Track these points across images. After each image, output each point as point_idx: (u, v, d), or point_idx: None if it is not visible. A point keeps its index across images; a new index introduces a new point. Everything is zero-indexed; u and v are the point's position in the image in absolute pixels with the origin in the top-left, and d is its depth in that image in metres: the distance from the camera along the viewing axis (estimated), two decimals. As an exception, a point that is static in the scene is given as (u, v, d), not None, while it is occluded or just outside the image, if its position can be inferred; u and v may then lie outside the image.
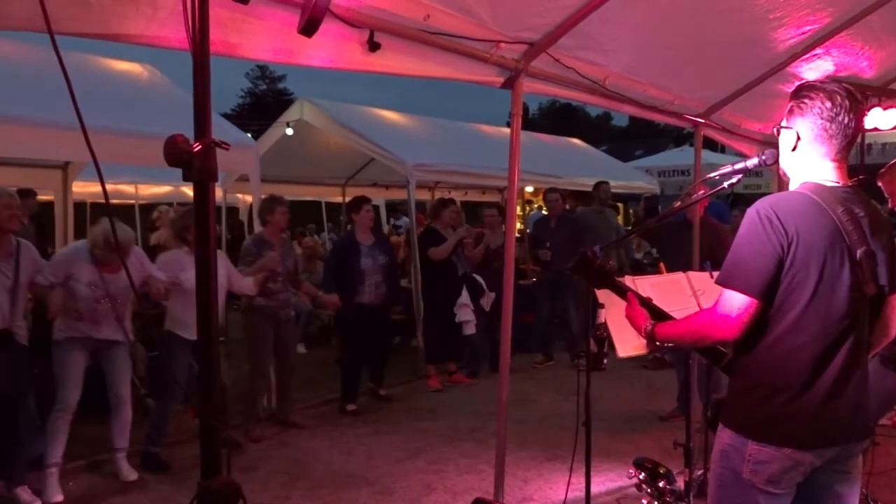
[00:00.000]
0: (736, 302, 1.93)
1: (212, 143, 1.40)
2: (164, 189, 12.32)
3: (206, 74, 1.43)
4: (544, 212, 15.14)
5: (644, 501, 3.03)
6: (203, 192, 1.43)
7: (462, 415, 5.91)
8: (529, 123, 44.59)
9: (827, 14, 3.96)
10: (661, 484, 2.99)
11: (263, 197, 5.75)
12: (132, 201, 12.64)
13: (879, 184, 3.58)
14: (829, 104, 1.98)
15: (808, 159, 2.04)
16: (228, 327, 8.59)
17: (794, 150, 2.05)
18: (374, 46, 2.45)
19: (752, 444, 1.98)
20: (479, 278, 7.07)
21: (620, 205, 13.58)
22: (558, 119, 52.14)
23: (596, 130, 48.62)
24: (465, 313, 6.83)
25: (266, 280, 5.22)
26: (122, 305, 4.47)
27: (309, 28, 2.01)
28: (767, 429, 1.97)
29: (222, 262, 5.02)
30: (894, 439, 3.76)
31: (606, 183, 8.55)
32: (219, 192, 10.26)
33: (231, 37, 2.15)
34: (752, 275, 1.92)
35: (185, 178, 1.42)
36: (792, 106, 2.06)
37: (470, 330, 6.91)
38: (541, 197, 15.61)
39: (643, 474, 3.06)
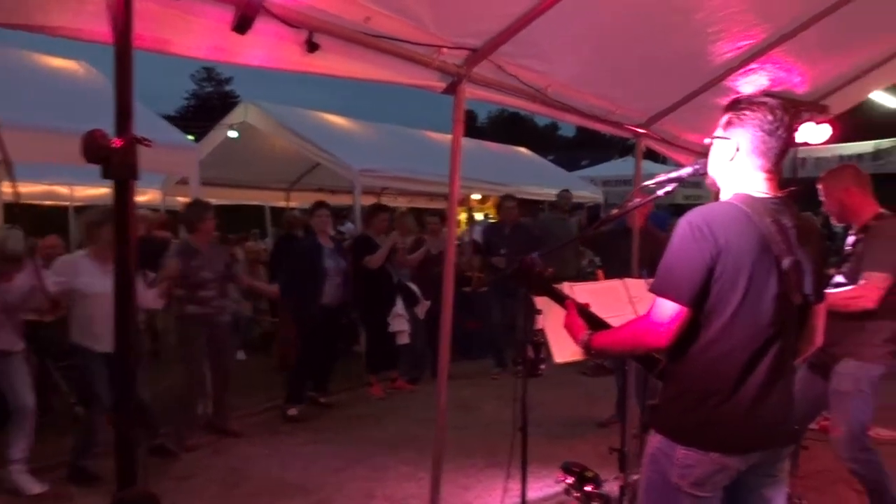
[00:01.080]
0: (667, 310, 1.96)
1: (133, 139, 1.35)
2: (101, 191, 11.95)
3: (128, 67, 1.37)
4: (491, 219, 15.24)
5: (573, 505, 3.05)
6: (123, 190, 1.37)
7: (403, 422, 5.88)
8: (478, 131, 44.96)
9: (762, 30, 4.07)
10: (588, 488, 3.01)
11: (188, 202, 5.59)
12: (67, 203, 12.23)
13: (819, 186, 3.70)
14: (770, 118, 2.03)
15: (742, 170, 2.08)
16: (164, 332, 8.38)
17: (731, 160, 2.09)
18: (312, 47, 2.41)
19: (680, 448, 2.01)
20: (413, 286, 7.03)
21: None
22: (506, 128, 52.60)
23: (543, 140, 49.24)
24: (398, 323, 6.77)
25: (169, 288, 5.01)
26: (16, 315, 4.32)
27: (242, 26, 1.97)
28: (695, 434, 2.01)
29: None
30: (823, 443, 3.87)
31: (568, 191, 8.67)
32: (158, 195, 10.03)
33: (163, 33, 2.09)
34: (682, 283, 1.95)
35: (104, 176, 1.36)
36: (731, 117, 2.09)
37: (403, 340, 6.85)
38: (489, 204, 15.76)
39: (571, 478, 3.08)
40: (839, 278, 3.52)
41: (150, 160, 5.04)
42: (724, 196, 2.13)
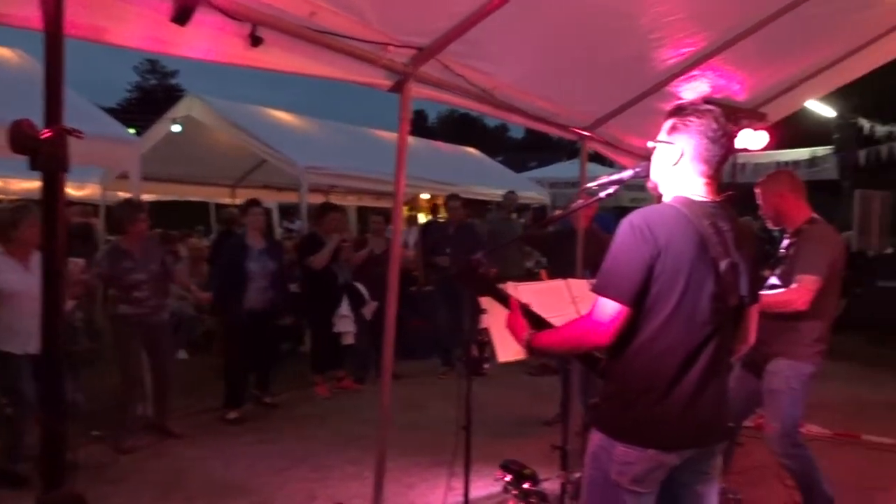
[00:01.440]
0: (608, 309, 2.00)
1: (63, 130, 1.30)
2: (37, 184, 11.52)
3: (59, 55, 1.33)
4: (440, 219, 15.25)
5: (510, 503, 3.08)
6: (52, 183, 1.32)
7: (349, 422, 5.84)
8: (428, 131, 44.97)
9: (703, 37, 4.18)
10: (525, 485, 3.04)
11: (120, 202, 5.48)
12: (1, 196, 11.76)
13: (756, 191, 3.81)
14: (714, 125, 2.09)
15: (684, 175, 2.13)
16: (104, 333, 8.15)
17: (675, 164, 2.13)
18: (256, 41, 2.37)
19: (619, 445, 2.05)
20: (360, 287, 6.98)
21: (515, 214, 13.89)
22: (456, 128, 52.80)
23: (493, 141, 49.53)
24: (344, 324, 6.71)
25: (77, 288, 4.94)
26: None
27: (181, 17, 1.92)
28: (633, 431, 2.05)
29: None
30: (757, 440, 3.99)
31: (514, 192, 8.73)
32: (98, 190, 9.73)
33: (98, 20, 2.03)
34: (623, 283, 1.99)
35: (32, 167, 1.31)
36: (676, 123, 2.14)
37: (348, 340, 6.81)
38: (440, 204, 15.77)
39: (509, 476, 3.11)
40: (773, 280, 3.63)
41: (87, 153, 4.92)
42: (665, 199, 2.18)
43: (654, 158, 2.22)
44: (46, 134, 1.29)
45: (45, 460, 1.34)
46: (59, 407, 1.32)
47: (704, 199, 2.11)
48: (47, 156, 1.30)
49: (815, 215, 3.69)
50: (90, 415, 5.46)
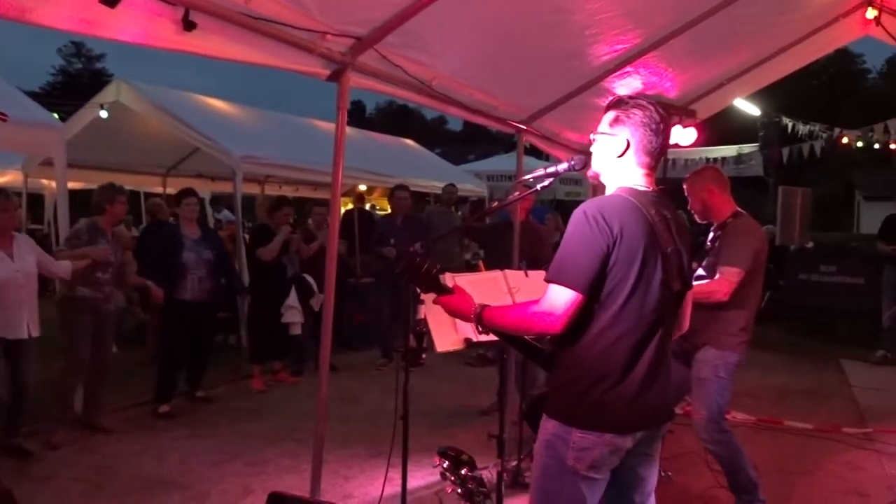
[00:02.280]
0: (562, 297, 2.01)
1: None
2: (8, 177, 10.92)
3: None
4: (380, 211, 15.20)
5: (448, 489, 3.11)
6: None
7: (285, 415, 5.77)
8: (366, 122, 44.66)
9: (636, 35, 4.29)
10: (463, 471, 3.07)
11: (102, 184, 5.39)
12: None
13: (685, 186, 3.93)
14: (657, 118, 2.15)
15: (627, 166, 2.18)
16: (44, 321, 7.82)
17: (621, 156, 2.17)
18: (189, 25, 2.31)
19: (576, 432, 2.08)
20: (309, 279, 6.93)
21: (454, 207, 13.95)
22: (395, 120, 52.53)
23: (431, 133, 49.56)
24: (292, 314, 6.67)
25: (90, 268, 4.89)
26: None
27: (111, -3, 1.86)
28: (590, 417, 2.08)
29: (29, 246, 4.63)
30: (686, 427, 4.13)
31: (453, 185, 8.74)
32: (19, 177, 9.33)
33: None
34: (579, 271, 2.01)
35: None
36: (619, 115, 2.18)
37: (296, 331, 6.76)
38: (376, 195, 15.69)
39: (447, 462, 3.13)
40: (700, 271, 3.76)
41: (7, 138, 4.73)
42: (609, 190, 2.22)
43: (596, 150, 2.25)
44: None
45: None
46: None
47: (647, 189, 2.18)
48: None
49: (739, 209, 3.83)
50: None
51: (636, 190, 2.15)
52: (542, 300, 2.06)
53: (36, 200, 12.62)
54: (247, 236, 8.34)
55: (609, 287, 2.04)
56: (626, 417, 2.09)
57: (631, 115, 2.16)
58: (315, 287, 6.91)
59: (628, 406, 2.08)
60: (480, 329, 2.29)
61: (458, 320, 2.70)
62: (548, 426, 2.16)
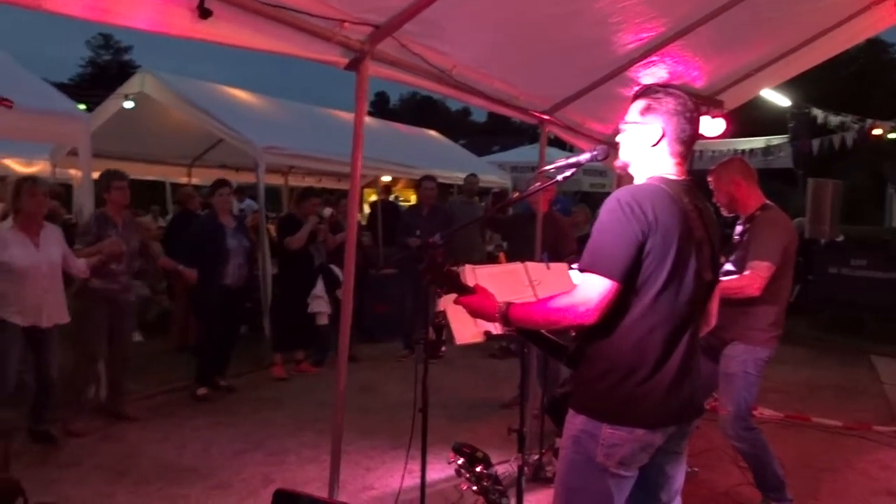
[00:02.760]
0: (597, 286, 1.96)
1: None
2: (36, 167, 11.06)
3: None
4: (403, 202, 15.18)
5: (464, 486, 3.07)
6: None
7: (306, 405, 5.79)
8: (390, 113, 44.71)
9: (661, 23, 4.19)
10: (478, 469, 3.03)
11: (101, 172, 5.40)
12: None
13: (710, 179, 3.84)
14: (690, 106, 2.11)
15: (659, 155, 2.13)
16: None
17: (654, 145, 2.12)
18: (205, 13, 2.28)
19: (606, 427, 2.03)
20: (336, 269, 6.93)
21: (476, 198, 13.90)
22: (418, 111, 52.49)
23: (455, 124, 49.45)
24: (318, 304, 6.72)
25: (103, 264, 4.92)
26: None
27: (125, -16, 1.83)
28: (622, 411, 2.02)
29: (56, 237, 4.68)
30: (712, 422, 4.05)
31: (475, 175, 8.67)
32: (48, 167, 9.43)
33: (35, -13, 1.93)
34: (614, 260, 1.96)
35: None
36: (650, 103, 2.13)
37: (323, 321, 6.80)
38: (399, 186, 15.68)
39: (461, 459, 3.10)
40: (728, 266, 3.68)
41: (34, 129, 4.77)
42: (639, 180, 2.17)
43: (626, 139, 2.20)
44: (-29, 103, 1.21)
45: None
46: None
47: (679, 178, 2.13)
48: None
49: (767, 202, 3.74)
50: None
51: (668, 179, 2.10)
52: (574, 291, 2.01)
53: (65, 190, 12.77)
54: (271, 227, 8.38)
55: (644, 276, 1.99)
56: (659, 412, 2.04)
57: (664, 104, 2.11)
58: (342, 278, 6.90)
59: (661, 400, 2.02)
60: (504, 325, 2.23)
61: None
62: (576, 421, 2.11)
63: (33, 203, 4.51)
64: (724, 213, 3.87)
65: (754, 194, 3.74)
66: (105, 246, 4.90)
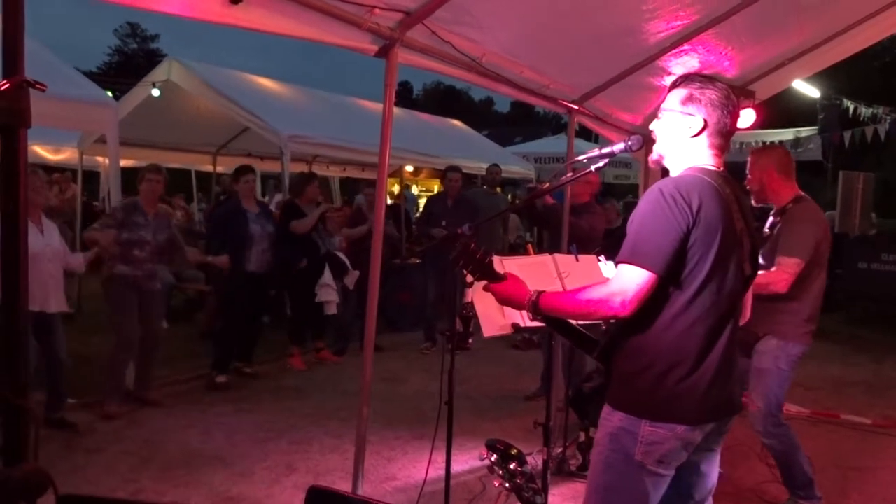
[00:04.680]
0: (635, 278, 1.91)
1: (23, 82, 1.21)
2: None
3: (18, 3, 1.23)
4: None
5: (496, 483, 3.05)
6: (11, 139, 1.23)
7: (329, 394, 5.80)
8: (413, 103, 44.58)
9: (695, 11, 4.10)
10: (512, 466, 3.00)
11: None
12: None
13: (749, 159, 3.74)
14: (733, 100, 2.05)
15: (698, 146, 2.08)
16: (82, 300, 8.02)
17: (696, 136, 2.07)
18: (235, -1, 2.27)
19: (646, 424, 1.98)
20: (341, 256, 6.90)
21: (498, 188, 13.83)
22: (442, 101, 52.33)
23: (478, 115, 49.24)
24: (326, 293, 6.63)
25: (97, 256, 5.00)
26: None
27: (157, -32, 1.82)
28: (663, 408, 1.98)
29: (54, 231, 4.77)
30: (740, 418, 3.98)
31: (497, 166, 8.61)
32: (76, 154, 9.52)
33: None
34: (655, 251, 1.91)
35: (-10, 122, 1.22)
36: (693, 93, 2.07)
37: (331, 310, 6.72)
38: (422, 176, 15.65)
39: (495, 456, 3.06)
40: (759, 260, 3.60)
41: (64, 116, 4.79)
42: (675, 171, 2.12)
43: (663, 128, 2.14)
44: (4, 86, 1.20)
45: (7, 431, 1.27)
46: (18, 379, 1.25)
47: (718, 169, 2.08)
48: (7, 109, 1.21)
49: (801, 194, 3.64)
50: (66, 381, 5.39)
51: (709, 169, 2.05)
52: (610, 281, 1.96)
53: (92, 177, 12.91)
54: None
55: (687, 269, 1.94)
56: (700, 409, 1.98)
57: (706, 94, 2.05)
58: (348, 263, 6.88)
59: (702, 396, 1.97)
60: (533, 317, 2.19)
61: (506, 304, 2.61)
62: (613, 418, 2.05)
63: (31, 192, 4.54)
64: (754, 200, 3.76)
65: (788, 186, 3.65)
66: (102, 236, 4.93)
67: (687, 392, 1.97)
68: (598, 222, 5.49)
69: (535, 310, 2.15)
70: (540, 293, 2.15)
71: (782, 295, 3.39)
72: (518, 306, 2.25)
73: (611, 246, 2.08)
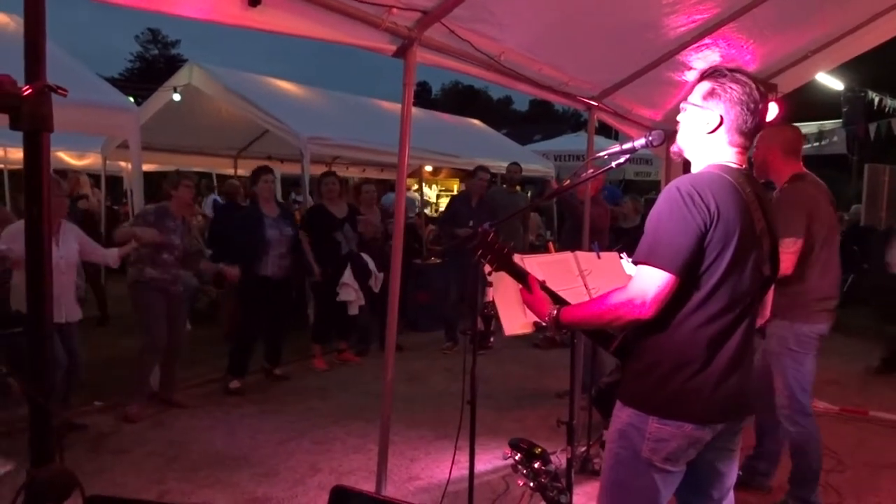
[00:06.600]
0: (655, 279, 1.88)
1: (45, 87, 1.22)
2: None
3: (39, 7, 1.24)
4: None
5: (520, 482, 3.03)
6: (34, 144, 1.24)
7: (351, 394, 5.81)
8: (432, 103, 44.61)
9: (715, 4, 4.05)
10: (536, 465, 2.98)
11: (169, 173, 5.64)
12: (1, 165, 11.74)
13: (761, 133, 3.70)
14: (756, 96, 2.00)
15: (717, 143, 2.04)
16: (117, 300, 8.12)
17: (711, 132, 2.03)
18: (254, 1, 2.27)
19: (653, 421, 1.97)
20: (366, 257, 6.88)
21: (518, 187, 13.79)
22: (460, 100, 52.31)
23: (497, 113, 49.18)
24: (347, 293, 6.61)
25: (133, 250, 5.05)
26: None
27: (176, -28, 1.83)
28: (670, 405, 1.96)
29: (74, 234, 4.80)
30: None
31: (517, 164, 8.57)
32: (99, 160, 9.65)
33: (89, -23, 1.93)
34: (674, 252, 1.88)
35: (13, 127, 1.23)
36: (715, 88, 2.02)
37: (353, 310, 6.70)
38: (441, 176, 15.65)
39: (519, 455, 3.05)
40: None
41: (87, 121, 4.87)
42: (696, 167, 2.09)
43: (684, 122, 2.11)
44: (27, 91, 1.21)
45: (33, 432, 1.28)
46: (45, 381, 1.26)
47: (740, 167, 2.04)
48: (29, 114, 1.21)
49: (799, 172, 3.57)
50: (93, 384, 5.46)
51: (729, 167, 2.01)
52: (628, 285, 1.94)
53: (115, 182, 13.09)
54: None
55: (702, 268, 1.91)
56: (708, 408, 1.96)
57: (728, 90, 2.00)
58: (372, 265, 6.87)
59: (711, 395, 1.95)
60: (556, 330, 2.21)
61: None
62: (622, 415, 2.05)
63: (55, 203, 4.59)
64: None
65: (790, 166, 3.59)
66: (142, 232, 4.99)
67: (695, 391, 1.95)
68: (603, 215, 5.57)
69: (558, 325, 2.17)
70: (560, 309, 2.17)
71: (788, 278, 3.33)
72: (540, 319, 2.27)
73: (632, 243, 2.05)
